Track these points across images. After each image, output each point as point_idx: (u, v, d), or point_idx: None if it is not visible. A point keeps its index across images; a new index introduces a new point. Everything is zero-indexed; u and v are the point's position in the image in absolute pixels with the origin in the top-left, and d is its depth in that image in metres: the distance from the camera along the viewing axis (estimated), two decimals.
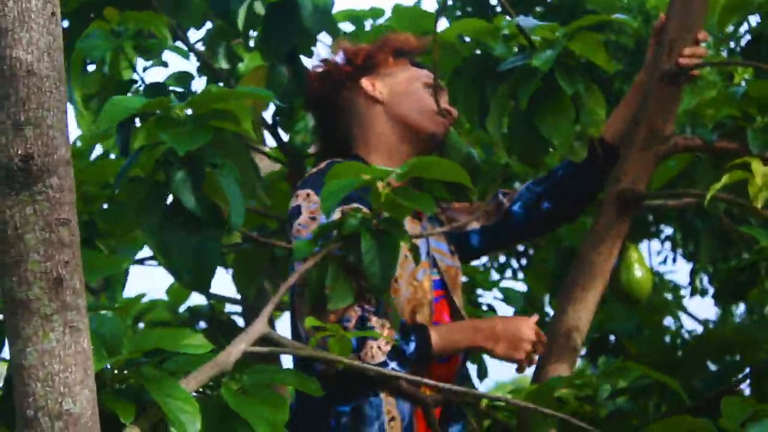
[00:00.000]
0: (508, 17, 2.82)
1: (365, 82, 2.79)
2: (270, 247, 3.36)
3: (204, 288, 2.38)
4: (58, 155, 1.81)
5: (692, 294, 4.51)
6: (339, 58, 2.86)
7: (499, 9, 3.62)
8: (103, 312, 2.10)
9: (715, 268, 4.09)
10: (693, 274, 4.30)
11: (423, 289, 2.64)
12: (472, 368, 4.04)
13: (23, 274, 1.77)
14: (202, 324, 4.30)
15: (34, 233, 1.78)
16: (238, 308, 4.40)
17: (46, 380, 1.75)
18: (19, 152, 1.78)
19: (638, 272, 2.85)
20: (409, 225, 2.63)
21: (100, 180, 2.92)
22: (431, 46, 2.75)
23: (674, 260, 4.76)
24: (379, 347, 2.47)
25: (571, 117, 2.64)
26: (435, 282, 2.69)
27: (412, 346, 2.51)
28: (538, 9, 3.93)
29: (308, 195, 2.59)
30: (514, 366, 2.61)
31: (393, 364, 2.48)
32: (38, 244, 1.78)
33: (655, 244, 5.24)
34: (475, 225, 2.89)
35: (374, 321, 2.47)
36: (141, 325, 4.26)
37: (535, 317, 2.67)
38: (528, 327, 2.61)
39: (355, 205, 2.49)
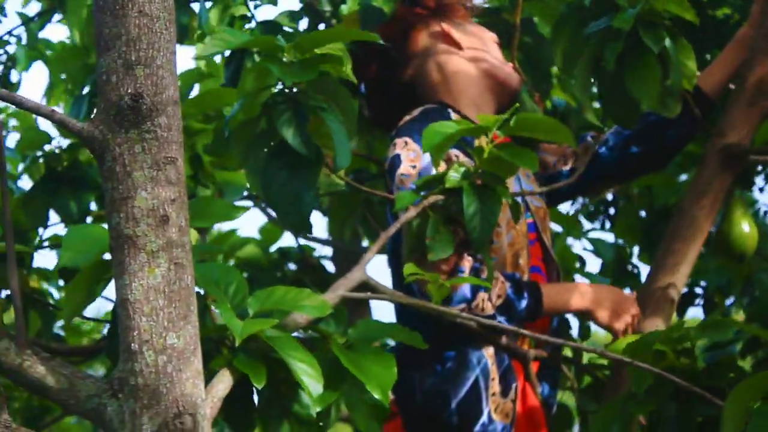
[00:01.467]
0: None
1: (445, 25, 2.76)
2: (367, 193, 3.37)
3: (305, 228, 2.41)
4: (167, 95, 1.84)
5: None
6: (407, 2, 2.82)
7: None
8: (221, 264, 2.12)
9: None
10: None
11: (522, 233, 2.64)
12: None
13: (130, 210, 1.80)
14: (291, 266, 4.33)
15: (142, 171, 1.81)
16: (328, 252, 4.42)
17: (150, 315, 1.79)
18: (130, 91, 1.81)
19: (744, 227, 2.81)
20: None
21: (202, 112, 2.95)
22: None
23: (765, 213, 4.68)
24: (490, 300, 2.48)
25: (657, 74, 2.57)
26: (528, 225, 2.69)
27: (524, 303, 2.52)
28: None
29: (406, 143, 2.58)
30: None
31: (501, 319, 2.49)
32: (146, 181, 1.81)
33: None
34: (563, 167, 2.87)
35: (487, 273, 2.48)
36: (231, 262, 4.30)
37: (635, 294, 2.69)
38: (631, 300, 2.64)
39: (454, 151, 2.50)
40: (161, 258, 1.80)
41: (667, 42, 2.56)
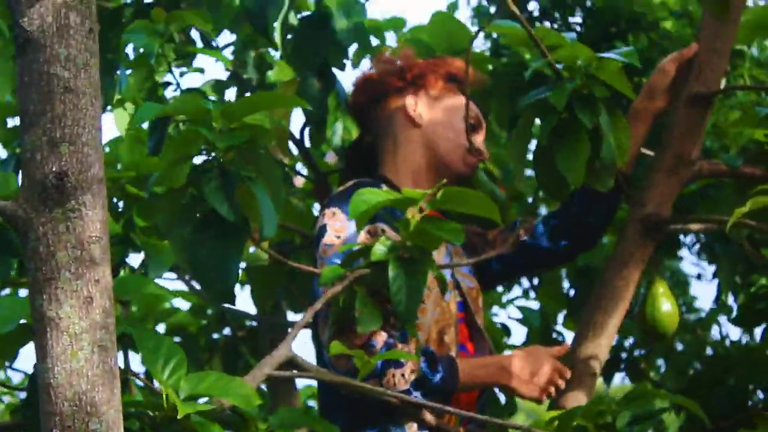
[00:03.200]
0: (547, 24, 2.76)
1: (410, 101, 2.77)
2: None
3: (229, 299, 2.38)
4: (92, 173, 1.81)
5: (717, 314, 4.47)
6: (391, 69, 2.83)
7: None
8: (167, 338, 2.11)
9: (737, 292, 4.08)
10: (719, 296, 4.28)
11: (450, 310, 2.63)
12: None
13: (54, 292, 1.77)
14: (227, 331, 4.28)
15: (66, 251, 1.78)
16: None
17: (73, 400, 1.75)
18: (54, 169, 1.78)
19: (665, 306, 2.82)
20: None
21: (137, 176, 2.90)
22: (486, 83, 2.71)
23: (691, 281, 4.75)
24: (402, 375, 2.46)
25: (585, 151, 2.54)
26: (458, 304, 2.68)
27: (439, 376, 2.50)
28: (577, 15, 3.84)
29: (334, 213, 2.57)
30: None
31: (416, 394, 2.47)
32: (70, 261, 1.77)
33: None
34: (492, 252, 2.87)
35: (400, 348, 2.46)
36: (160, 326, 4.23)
37: (563, 348, 2.67)
38: (550, 366, 2.62)
39: (381, 225, 2.48)
40: (84, 341, 1.77)
41: (602, 117, 2.54)
